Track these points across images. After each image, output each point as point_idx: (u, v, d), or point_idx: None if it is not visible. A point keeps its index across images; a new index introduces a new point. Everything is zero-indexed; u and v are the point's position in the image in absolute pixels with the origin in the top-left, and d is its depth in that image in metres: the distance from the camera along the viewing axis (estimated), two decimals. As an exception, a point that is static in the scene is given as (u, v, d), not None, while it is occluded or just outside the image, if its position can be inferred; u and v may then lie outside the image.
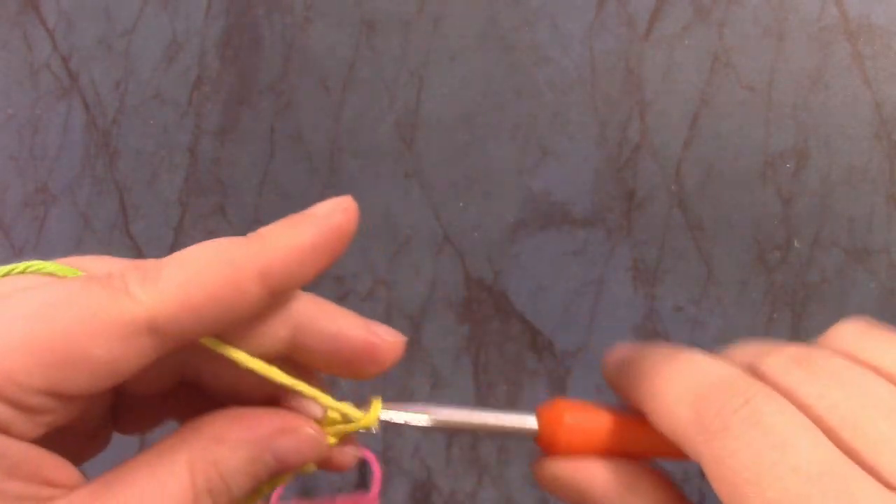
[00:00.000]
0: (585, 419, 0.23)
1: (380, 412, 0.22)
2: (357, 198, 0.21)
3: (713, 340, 0.53)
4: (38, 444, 0.18)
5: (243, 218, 0.65)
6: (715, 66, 0.54)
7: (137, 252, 0.68)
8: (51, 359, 0.17)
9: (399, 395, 0.59)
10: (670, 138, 0.55)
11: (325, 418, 0.22)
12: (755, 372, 0.20)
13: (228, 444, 0.20)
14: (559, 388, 0.56)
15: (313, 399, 0.22)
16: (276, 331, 0.21)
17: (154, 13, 0.69)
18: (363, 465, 0.24)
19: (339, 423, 0.22)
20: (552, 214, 0.57)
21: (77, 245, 0.70)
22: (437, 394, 0.59)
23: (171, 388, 0.22)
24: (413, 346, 0.60)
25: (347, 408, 0.22)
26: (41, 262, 0.20)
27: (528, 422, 0.23)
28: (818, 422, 0.18)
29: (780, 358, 0.20)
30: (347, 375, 0.22)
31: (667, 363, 0.21)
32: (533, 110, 0.58)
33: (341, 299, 0.62)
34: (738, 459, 0.17)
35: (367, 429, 0.22)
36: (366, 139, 0.62)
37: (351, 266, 0.62)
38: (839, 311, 0.51)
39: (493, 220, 0.59)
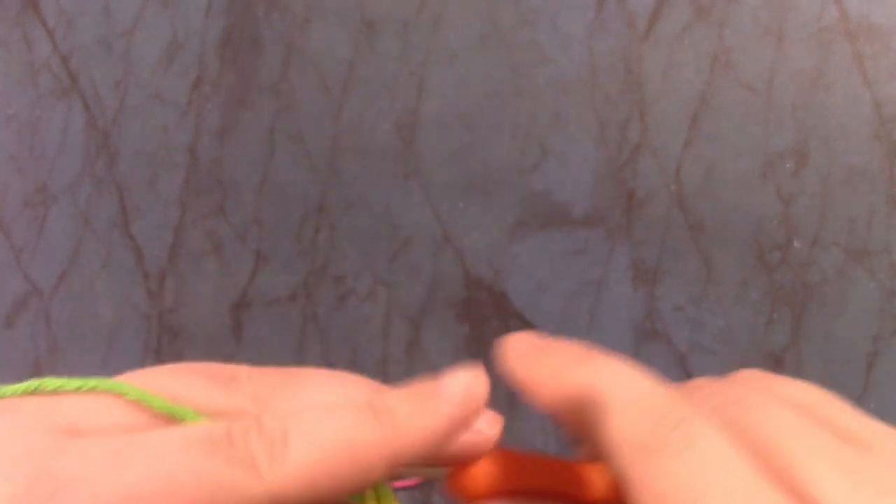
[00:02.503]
0: (493, 463, 0.22)
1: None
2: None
3: (713, 340, 0.53)
4: None
5: (243, 218, 0.65)
6: (715, 66, 0.54)
7: (137, 252, 0.68)
8: None
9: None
10: (670, 138, 0.55)
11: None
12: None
13: None
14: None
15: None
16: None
17: (154, 13, 0.69)
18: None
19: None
20: (552, 214, 0.57)
21: (77, 245, 0.70)
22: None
23: None
24: (413, 347, 0.60)
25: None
26: (108, 380, 0.19)
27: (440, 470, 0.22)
28: (742, 438, 0.17)
29: (699, 387, 0.20)
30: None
31: (590, 367, 0.20)
32: (533, 110, 0.58)
33: (341, 299, 0.62)
34: (670, 481, 0.17)
35: None
36: (366, 139, 0.62)
37: (351, 266, 0.62)
38: (839, 311, 0.51)
39: (493, 220, 0.59)
